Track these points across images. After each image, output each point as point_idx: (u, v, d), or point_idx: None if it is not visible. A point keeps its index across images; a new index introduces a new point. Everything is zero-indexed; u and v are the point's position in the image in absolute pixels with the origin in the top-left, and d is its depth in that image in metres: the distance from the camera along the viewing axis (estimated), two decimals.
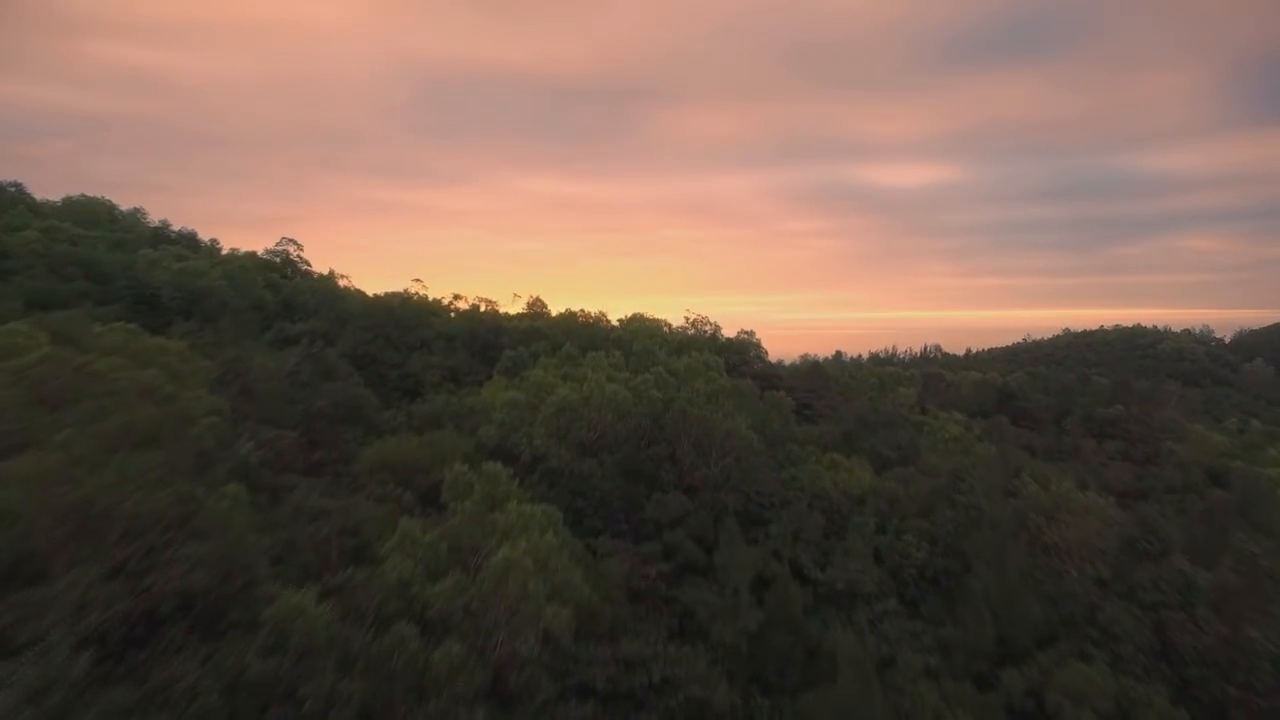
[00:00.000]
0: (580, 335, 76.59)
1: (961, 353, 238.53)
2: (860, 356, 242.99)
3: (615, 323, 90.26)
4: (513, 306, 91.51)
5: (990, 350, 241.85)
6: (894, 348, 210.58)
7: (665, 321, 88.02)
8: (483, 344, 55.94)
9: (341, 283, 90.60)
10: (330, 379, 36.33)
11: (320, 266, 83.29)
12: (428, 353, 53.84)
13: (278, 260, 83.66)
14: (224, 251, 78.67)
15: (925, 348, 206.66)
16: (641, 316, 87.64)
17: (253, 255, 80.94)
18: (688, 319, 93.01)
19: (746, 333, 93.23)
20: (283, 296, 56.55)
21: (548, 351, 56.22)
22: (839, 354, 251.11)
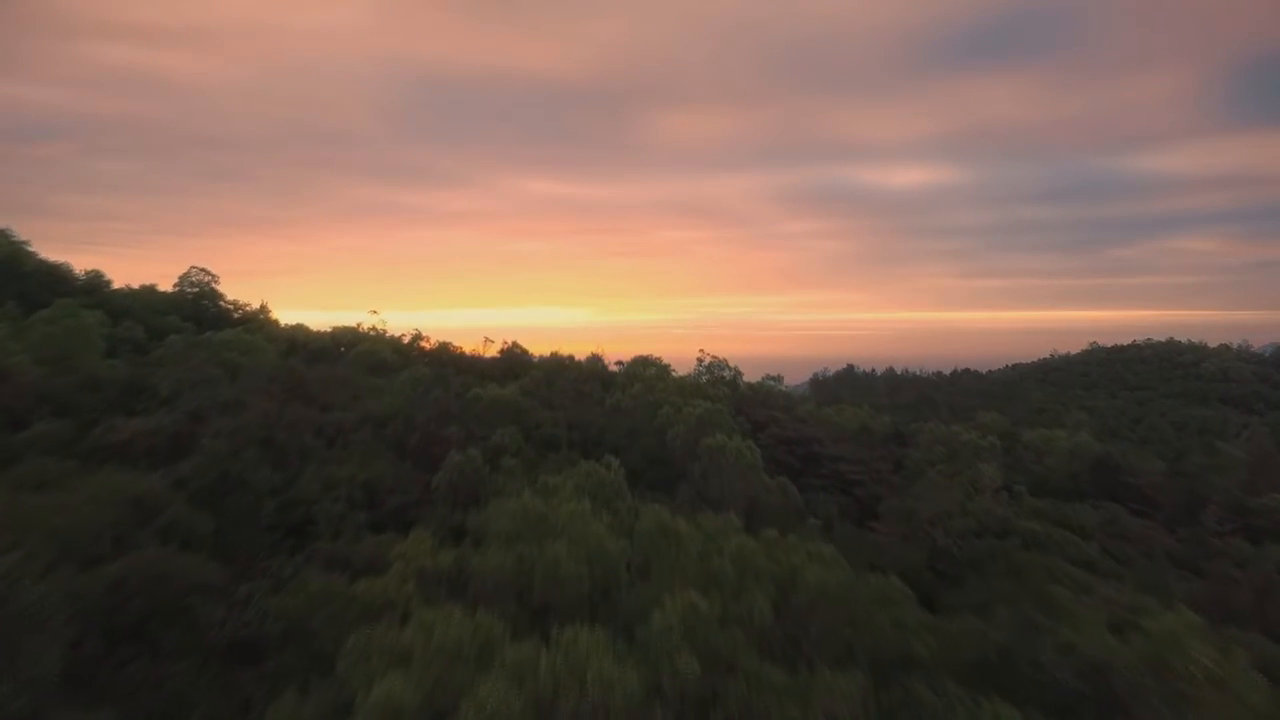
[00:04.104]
0: (564, 388, 60.10)
1: (983, 367, 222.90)
2: (874, 371, 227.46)
3: (614, 367, 73.94)
4: (485, 349, 75.21)
5: (1017, 366, 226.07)
6: (921, 367, 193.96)
7: (674, 370, 71.54)
8: (422, 436, 39.21)
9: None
10: (37, 630, 19.47)
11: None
12: (340, 452, 37.17)
13: (192, 294, 67.14)
14: (115, 287, 61.97)
15: (955, 370, 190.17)
16: (645, 362, 71.10)
17: (151, 290, 64.41)
18: (700, 360, 76.72)
19: (773, 378, 76.91)
20: (129, 373, 39.58)
21: (513, 451, 39.65)
22: (851, 367, 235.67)
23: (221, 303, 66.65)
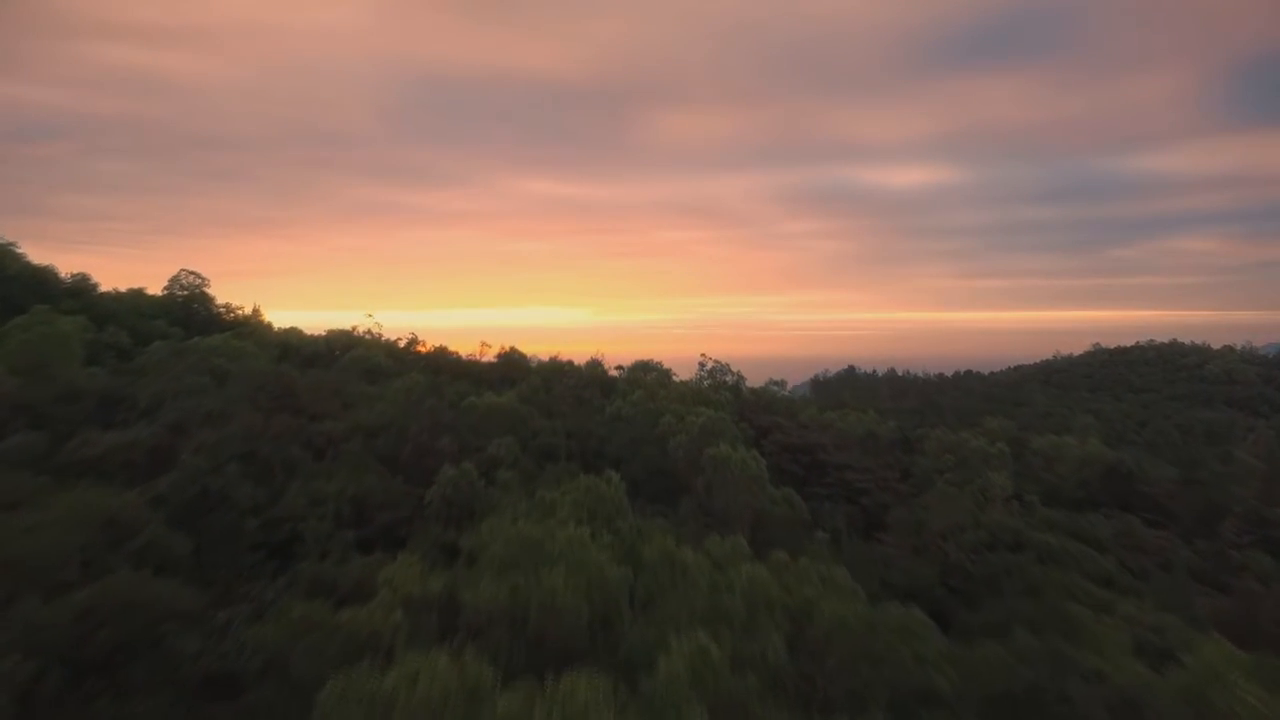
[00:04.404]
0: (563, 394, 58.65)
1: (985, 368, 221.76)
2: (875, 372, 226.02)
3: (614, 371, 72.54)
4: (482, 353, 73.69)
5: (1020, 368, 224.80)
6: (925, 370, 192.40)
7: (675, 375, 70.08)
8: (415, 448, 37.70)
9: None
10: None
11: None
12: (329, 465, 35.69)
13: (181, 298, 65.61)
14: (102, 291, 60.35)
15: (957, 372, 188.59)
16: (646, 366, 69.60)
17: (139, 293, 62.89)
18: (702, 364, 75.31)
19: (776, 383, 75.42)
20: (109, 382, 37.85)
21: (509, 463, 38.20)
22: (852, 369, 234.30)
23: (212, 306, 65.07)
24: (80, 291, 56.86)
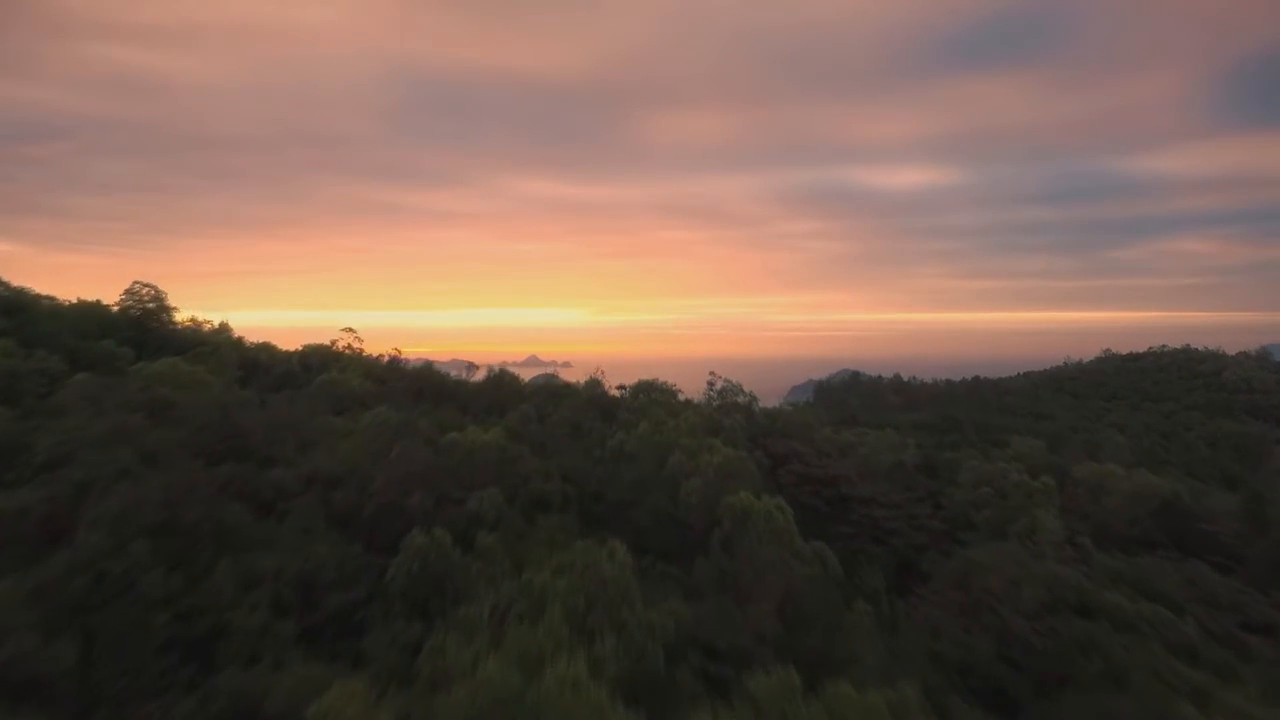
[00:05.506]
0: (557, 424, 52.66)
1: (988, 370, 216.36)
2: (880, 377, 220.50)
3: (615, 391, 66.67)
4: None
5: (1030, 375, 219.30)
6: (930, 374, 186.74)
7: (680, 392, 64.12)
8: (379, 506, 31.66)
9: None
10: None
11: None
12: (273, 528, 29.66)
13: (136, 313, 59.46)
14: (45, 305, 54.14)
15: (966, 379, 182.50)
16: (650, 387, 63.65)
17: (88, 307, 56.76)
18: (711, 384, 69.46)
19: (792, 403, 69.29)
20: (14, 428, 31.53)
21: (491, 522, 32.16)
22: (856, 374, 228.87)
23: (171, 322, 58.72)
24: (17, 308, 50.36)
